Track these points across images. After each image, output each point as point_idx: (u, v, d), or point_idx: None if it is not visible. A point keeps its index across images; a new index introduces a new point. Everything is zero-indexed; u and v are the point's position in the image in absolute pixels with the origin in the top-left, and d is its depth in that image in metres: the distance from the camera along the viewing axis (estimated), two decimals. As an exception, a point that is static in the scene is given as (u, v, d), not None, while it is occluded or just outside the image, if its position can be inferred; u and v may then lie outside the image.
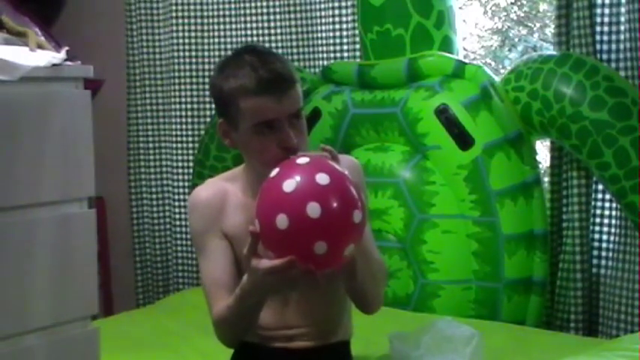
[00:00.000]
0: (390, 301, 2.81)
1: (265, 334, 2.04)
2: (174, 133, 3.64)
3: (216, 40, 3.55)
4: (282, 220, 1.65)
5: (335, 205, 1.67)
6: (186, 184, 3.61)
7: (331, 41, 3.27)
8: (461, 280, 2.80)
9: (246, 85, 1.86)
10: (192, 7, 3.56)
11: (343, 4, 3.23)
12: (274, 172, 1.73)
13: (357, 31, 3.17)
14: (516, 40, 3.87)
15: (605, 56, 2.71)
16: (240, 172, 2.04)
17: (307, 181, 1.68)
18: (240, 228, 1.95)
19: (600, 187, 2.72)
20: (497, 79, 2.83)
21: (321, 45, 3.30)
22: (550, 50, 3.09)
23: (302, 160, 1.74)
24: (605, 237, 2.75)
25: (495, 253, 2.74)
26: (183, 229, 3.65)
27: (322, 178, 1.69)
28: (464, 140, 2.77)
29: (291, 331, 2.04)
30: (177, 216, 3.66)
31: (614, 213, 2.72)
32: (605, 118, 2.54)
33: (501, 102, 2.75)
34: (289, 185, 1.67)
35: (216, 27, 3.54)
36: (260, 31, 3.47)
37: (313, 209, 1.65)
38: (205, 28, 3.56)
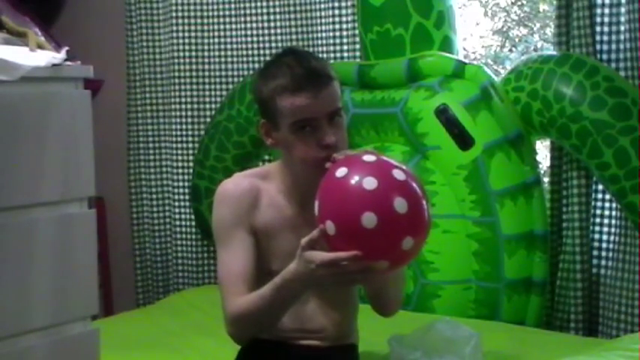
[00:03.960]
0: (390, 301, 2.82)
1: (280, 334, 2.04)
2: (174, 133, 3.64)
3: (216, 40, 3.55)
4: (369, 219, 1.65)
5: (417, 199, 1.71)
6: (186, 184, 3.61)
7: (331, 41, 3.27)
8: (461, 280, 2.80)
9: (283, 83, 1.89)
10: (192, 7, 3.56)
11: (343, 4, 3.23)
12: (341, 171, 1.73)
13: (357, 31, 3.16)
14: (517, 40, 3.87)
15: (605, 56, 2.70)
16: (274, 171, 2.04)
17: (387, 177, 1.70)
18: (268, 226, 1.98)
19: (600, 187, 2.72)
20: (497, 79, 2.83)
21: (321, 45, 3.29)
22: (550, 50, 3.09)
23: (369, 157, 1.76)
24: (605, 237, 2.75)
25: (495, 253, 2.74)
26: (184, 229, 3.65)
27: (398, 174, 1.72)
28: (464, 140, 2.77)
29: (307, 332, 2.05)
30: (177, 216, 3.66)
31: (614, 213, 2.72)
32: (605, 118, 2.54)
33: (501, 102, 2.75)
34: (370, 183, 1.68)
35: (216, 27, 3.54)
36: (260, 31, 3.47)
37: (400, 205, 1.67)
38: (205, 28, 3.56)
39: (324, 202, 1.74)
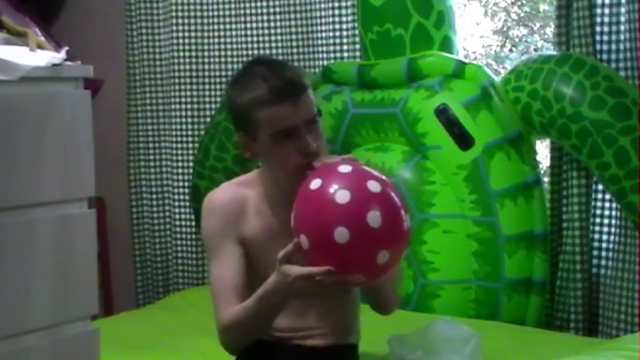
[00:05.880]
0: (390, 301, 2.82)
1: (280, 335, 2.05)
2: (174, 133, 3.64)
3: (216, 40, 3.55)
4: (341, 234, 1.61)
5: (393, 211, 1.65)
6: (186, 184, 3.61)
7: (331, 41, 3.27)
8: (461, 280, 2.80)
9: (260, 95, 1.88)
10: (192, 7, 3.56)
11: (343, 4, 3.23)
12: (315, 183, 1.69)
13: (357, 31, 3.16)
14: (517, 40, 3.87)
15: (605, 56, 2.70)
16: (257, 179, 2.05)
17: (361, 190, 1.65)
18: (258, 234, 1.98)
19: (600, 187, 2.72)
20: (497, 79, 2.83)
21: (321, 45, 3.29)
22: (550, 50, 3.09)
23: (345, 168, 1.71)
24: (605, 237, 2.75)
25: (495, 253, 2.74)
26: (184, 229, 3.65)
27: (374, 186, 1.66)
28: (464, 140, 2.77)
29: (307, 332, 2.05)
30: (177, 216, 3.66)
31: (614, 213, 2.72)
32: (605, 118, 2.54)
33: (501, 102, 2.75)
34: (343, 196, 1.64)
35: (216, 27, 3.54)
36: (260, 31, 3.47)
37: (374, 218, 1.62)
38: (205, 28, 3.56)
39: (298, 214, 1.72)
